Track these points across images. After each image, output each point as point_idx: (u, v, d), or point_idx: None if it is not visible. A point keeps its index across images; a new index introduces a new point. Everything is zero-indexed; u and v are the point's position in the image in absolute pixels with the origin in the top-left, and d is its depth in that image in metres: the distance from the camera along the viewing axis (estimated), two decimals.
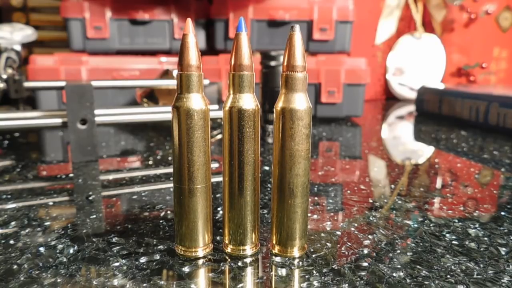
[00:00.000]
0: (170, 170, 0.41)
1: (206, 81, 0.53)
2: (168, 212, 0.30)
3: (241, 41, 0.22)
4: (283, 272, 0.22)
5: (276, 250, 0.23)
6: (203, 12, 0.77)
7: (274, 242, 0.24)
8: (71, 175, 0.39)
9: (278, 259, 0.23)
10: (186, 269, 0.22)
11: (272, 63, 0.52)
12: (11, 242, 0.25)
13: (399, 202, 0.33)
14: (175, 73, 0.59)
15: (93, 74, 0.66)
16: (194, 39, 0.21)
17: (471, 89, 0.72)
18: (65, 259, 0.23)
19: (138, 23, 0.70)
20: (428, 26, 1.06)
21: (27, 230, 0.26)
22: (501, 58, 1.02)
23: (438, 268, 0.22)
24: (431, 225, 0.28)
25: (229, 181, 0.23)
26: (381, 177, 0.41)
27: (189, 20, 0.21)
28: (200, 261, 0.23)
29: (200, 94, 0.22)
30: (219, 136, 0.58)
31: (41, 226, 0.27)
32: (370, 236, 0.26)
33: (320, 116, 0.71)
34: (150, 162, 0.44)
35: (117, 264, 0.22)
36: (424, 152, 0.52)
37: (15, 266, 0.22)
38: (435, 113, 0.76)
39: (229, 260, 0.23)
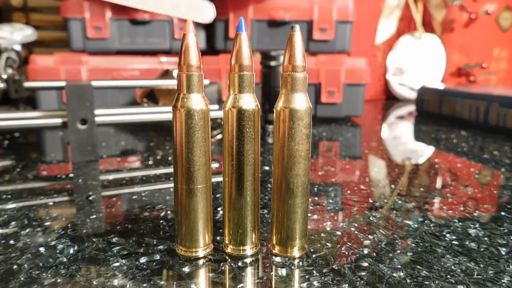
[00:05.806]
0: (170, 170, 0.41)
1: (206, 81, 0.53)
2: (168, 212, 0.30)
3: (241, 41, 0.22)
4: (283, 272, 0.22)
5: (276, 250, 0.23)
6: None
7: (274, 242, 0.24)
8: (71, 175, 0.39)
9: (278, 259, 0.23)
10: (186, 269, 0.22)
11: (272, 63, 0.52)
12: (11, 242, 0.25)
13: (399, 202, 0.33)
14: (175, 73, 0.59)
15: (93, 74, 0.66)
16: (195, 39, 0.21)
17: (471, 89, 0.72)
18: (65, 259, 0.23)
19: (138, 23, 0.70)
20: (428, 26, 1.06)
21: (27, 230, 0.26)
22: (501, 58, 1.02)
23: (438, 268, 0.22)
24: (431, 225, 0.28)
25: (229, 181, 0.23)
26: (381, 177, 0.41)
27: (189, 20, 0.21)
28: (200, 261, 0.23)
29: (200, 94, 0.22)
30: (219, 136, 0.58)
31: (41, 226, 0.27)
32: (370, 236, 0.26)
33: (320, 116, 0.71)
34: (150, 162, 0.44)
35: (117, 264, 0.22)
36: (424, 152, 0.52)
37: (15, 266, 0.22)
38: (435, 113, 0.76)
39: (229, 260, 0.23)
